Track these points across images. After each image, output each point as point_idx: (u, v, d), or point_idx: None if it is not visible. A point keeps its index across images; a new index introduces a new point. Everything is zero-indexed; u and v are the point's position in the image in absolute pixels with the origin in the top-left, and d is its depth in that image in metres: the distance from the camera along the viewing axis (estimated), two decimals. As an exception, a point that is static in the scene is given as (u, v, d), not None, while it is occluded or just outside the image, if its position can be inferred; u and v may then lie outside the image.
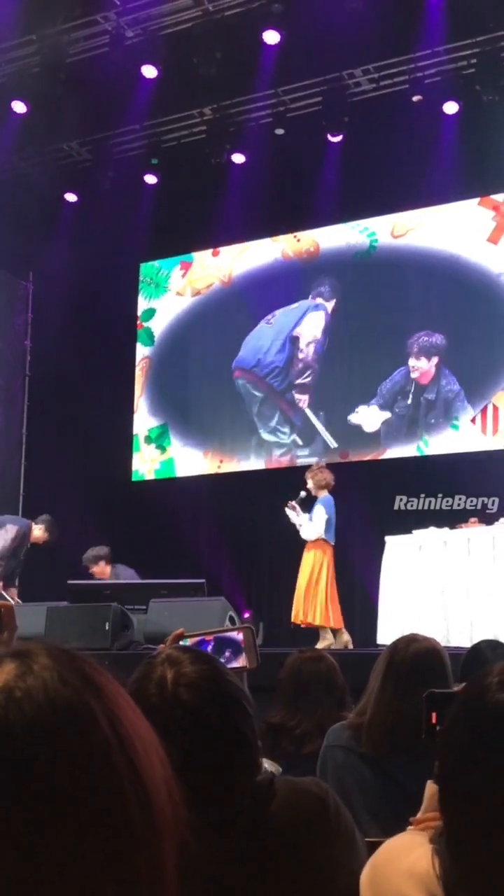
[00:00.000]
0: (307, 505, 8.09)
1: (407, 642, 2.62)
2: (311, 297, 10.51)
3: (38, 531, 8.13)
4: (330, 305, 10.40)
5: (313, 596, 7.85)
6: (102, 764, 0.60)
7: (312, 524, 7.94)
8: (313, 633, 7.93)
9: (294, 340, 10.51)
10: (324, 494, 8.06)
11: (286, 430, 10.42)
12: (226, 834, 1.30)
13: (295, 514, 8.06)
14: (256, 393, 10.59)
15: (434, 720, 1.51)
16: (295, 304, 10.58)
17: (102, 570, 8.38)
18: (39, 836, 0.56)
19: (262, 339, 10.64)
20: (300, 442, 10.29)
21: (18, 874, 0.55)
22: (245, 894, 1.32)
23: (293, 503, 8.07)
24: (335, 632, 7.88)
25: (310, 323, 10.49)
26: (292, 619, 8.01)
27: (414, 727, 2.13)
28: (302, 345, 10.47)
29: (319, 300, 10.45)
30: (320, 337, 10.42)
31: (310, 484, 8.13)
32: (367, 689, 2.60)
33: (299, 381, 10.41)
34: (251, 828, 1.34)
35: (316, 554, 7.96)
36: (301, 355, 10.46)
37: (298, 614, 7.93)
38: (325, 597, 7.86)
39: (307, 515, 8.02)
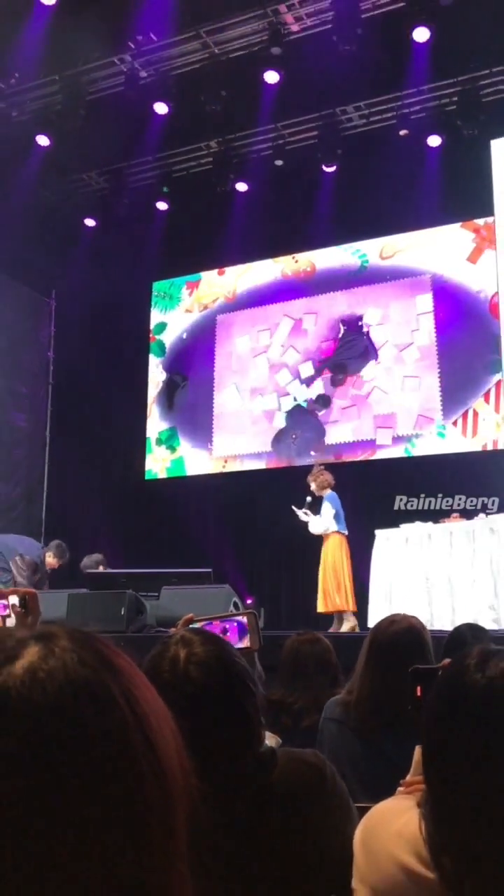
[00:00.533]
0: (314, 507, 8.10)
1: (388, 623, 2.59)
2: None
3: (49, 558, 8.00)
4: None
5: (338, 584, 7.82)
6: (120, 739, 0.60)
7: (320, 519, 7.95)
8: (311, 617, 7.92)
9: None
10: (327, 493, 8.07)
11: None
12: (230, 800, 1.30)
13: (304, 515, 8.08)
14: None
15: (419, 693, 1.51)
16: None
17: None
18: (62, 806, 0.56)
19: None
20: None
21: (43, 842, 0.55)
22: (248, 857, 1.31)
23: (304, 510, 8.07)
24: (346, 614, 7.85)
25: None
26: (319, 609, 7.92)
27: (396, 702, 2.13)
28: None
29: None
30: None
31: (312, 486, 8.15)
32: (356, 669, 2.59)
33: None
34: (254, 794, 1.34)
35: (332, 546, 7.95)
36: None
37: (326, 602, 7.87)
38: (349, 583, 7.86)
39: (317, 518, 8.03)
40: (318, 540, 8.10)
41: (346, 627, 7.63)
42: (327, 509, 7.93)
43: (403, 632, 2.52)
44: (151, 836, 0.60)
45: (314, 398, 10.32)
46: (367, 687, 2.48)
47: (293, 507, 8.16)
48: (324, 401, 10.26)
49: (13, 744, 0.56)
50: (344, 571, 7.87)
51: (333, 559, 7.90)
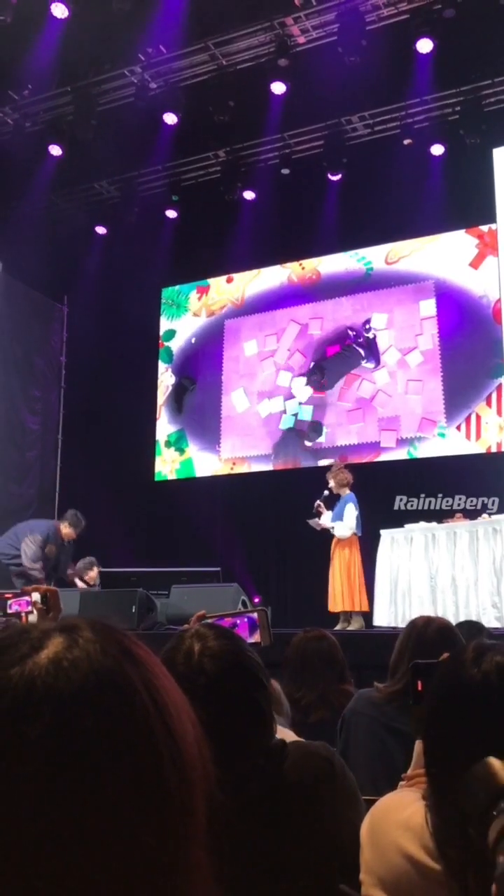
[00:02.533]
0: (329, 503, 8.00)
1: (425, 622, 2.61)
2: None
3: (65, 528, 7.99)
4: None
5: (350, 584, 7.75)
6: (140, 727, 0.60)
7: (345, 523, 7.78)
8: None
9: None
10: (346, 492, 7.93)
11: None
12: (242, 789, 1.30)
13: (319, 520, 7.91)
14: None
15: (420, 687, 1.51)
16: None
17: (93, 575, 8.37)
18: (85, 789, 0.57)
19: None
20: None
21: (67, 824, 0.56)
22: (260, 844, 1.32)
23: (320, 502, 7.93)
24: (355, 614, 7.80)
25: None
26: (331, 608, 7.83)
27: None
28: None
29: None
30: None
31: (331, 483, 7.98)
32: (395, 665, 2.58)
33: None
34: (266, 784, 1.35)
35: (348, 548, 7.86)
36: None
37: (338, 603, 7.77)
38: (360, 584, 7.80)
39: (330, 514, 7.89)
40: (324, 539, 8.05)
41: (353, 627, 7.60)
42: (350, 512, 7.76)
43: (444, 628, 2.56)
44: (171, 821, 0.60)
45: (318, 401, 10.32)
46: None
47: (309, 521, 7.97)
48: (327, 405, 10.26)
49: (39, 730, 0.57)
50: (359, 571, 7.81)
51: (350, 560, 7.82)
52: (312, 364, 10.38)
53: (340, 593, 7.78)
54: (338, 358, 10.32)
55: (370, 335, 10.10)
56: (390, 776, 2.13)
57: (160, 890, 0.59)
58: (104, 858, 0.56)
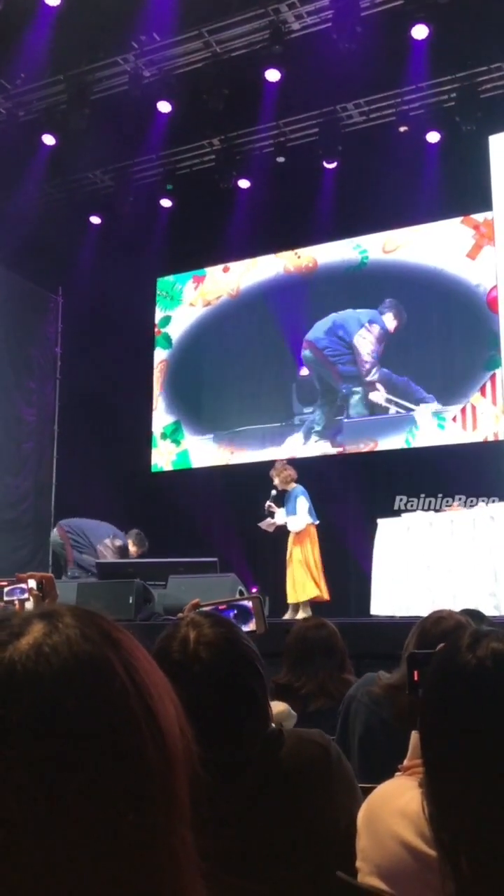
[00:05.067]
0: (279, 500, 8.02)
1: (436, 619, 2.51)
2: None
3: (131, 546, 8.43)
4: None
5: (309, 573, 7.79)
6: (121, 708, 0.62)
7: (298, 517, 7.85)
8: (314, 605, 7.90)
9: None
10: (293, 486, 7.98)
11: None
12: (239, 776, 1.30)
13: (272, 519, 7.97)
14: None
15: (416, 678, 1.51)
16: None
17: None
18: (66, 772, 0.58)
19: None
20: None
21: (48, 806, 0.56)
22: (256, 831, 1.32)
23: (270, 503, 7.98)
24: (303, 605, 7.78)
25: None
26: (290, 600, 7.85)
27: None
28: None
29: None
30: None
31: (276, 481, 8.03)
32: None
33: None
34: (262, 771, 1.34)
35: (307, 539, 7.89)
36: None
37: (299, 593, 7.80)
38: (320, 573, 7.83)
39: (282, 511, 7.94)
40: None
41: (301, 615, 7.51)
42: (302, 504, 7.83)
43: (454, 627, 2.48)
44: (153, 800, 0.61)
45: (315, 391, 10.31)
46: None
47: (260, 524, 8.02)
48: (325, 394, 10.25)
49: (20, 714, 0.58)
50: (317, 562, 7.82)
51: (310, 551, 7.84)
52: (321, 357, 10.32)
53: (301, 583, 7.76)
54: (332, 347, 10.31)
55: (365, 325, 10.07)
56: (384, 766, 2.13)
57: (144, 868, 0.59)
58: (87, 838, 0.57)
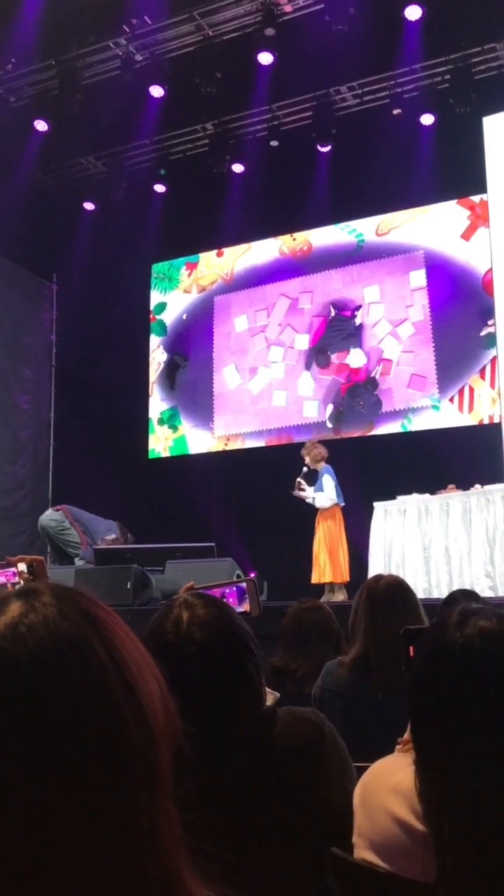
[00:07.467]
0: (310, 479, 8.09)
1: (376, 580, 2.68)
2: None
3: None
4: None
5: (334, 557, 7.84)
6: (100, 686, 0.62)
7: (325, 494, 7.92)
8: (312, 589, 7.92)
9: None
10: (322, 466, 8.05)
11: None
12: (233, 754, 1.31)
13: (303, 492, 8.04)
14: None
15: (412, 653, 1.52)
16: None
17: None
18: (46, 752, 0.58)
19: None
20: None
21: (28, 785, 0.57)
22: (251, 810, 1.33)
23: (300, 480, 8.04)
24: (338, 586, 7.87)
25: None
26: (313, 580, 7.89)
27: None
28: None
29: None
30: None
31: (307, 460, 8.12)
32: (355, 630, 2.60)
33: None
34: (256, 749, 1.35)
35: (331, 519, 7.96)
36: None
37: (323, 575, 7.86)
38: (345, 555, 7.90)
39: (311, 489, 8.01)
40: (316, 513, 8.10)
41: (338, 598, 7.63)
42: (329, 483, 7.92)
43: (395, 585, 2.62)
44: (135, 776, 0.61)
45: (311, 376, 10.30)
46: (374, 641, 2.49)
47: (293, 492, 8.09)
48: (318, 378, 10.24)
49: None
50: (342, 543, 7.89)
51: (333, 531, 7.90)
52: (312, 348, 10.31)
53: (326, 565, 7.85)
54: (325, 333, 10.29)
55: (358, 308, 10.06)
56: (368, 746, 2.15)
57: (127, 843, 0.59)
58: (69, 816, 0.57)
